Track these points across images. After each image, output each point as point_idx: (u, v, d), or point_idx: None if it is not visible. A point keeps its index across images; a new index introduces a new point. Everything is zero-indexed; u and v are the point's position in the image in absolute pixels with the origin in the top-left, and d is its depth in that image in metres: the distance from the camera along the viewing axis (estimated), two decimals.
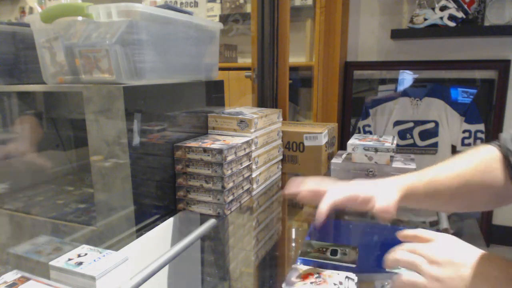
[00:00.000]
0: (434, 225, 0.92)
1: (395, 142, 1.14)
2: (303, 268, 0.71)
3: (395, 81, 1.96)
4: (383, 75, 2.01)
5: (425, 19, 1.70)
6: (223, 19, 2.54)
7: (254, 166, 1.04)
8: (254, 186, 1.05)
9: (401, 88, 1.92)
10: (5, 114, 1.09)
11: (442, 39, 1.83)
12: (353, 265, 0.75)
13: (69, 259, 0.60)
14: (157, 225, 0.85)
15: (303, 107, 2.49)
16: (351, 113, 2.04)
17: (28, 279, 0.56)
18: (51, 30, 0.85)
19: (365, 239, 0.95)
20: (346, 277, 0.67)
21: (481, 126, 1.82)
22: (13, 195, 1.06)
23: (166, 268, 0.79)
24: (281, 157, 1.26)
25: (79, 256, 0.61)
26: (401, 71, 1.95)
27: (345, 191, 0.64)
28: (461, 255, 0.40)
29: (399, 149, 1.92)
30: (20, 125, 1.11)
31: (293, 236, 1.12)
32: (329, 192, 0.64)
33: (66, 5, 0.83)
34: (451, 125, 1.87)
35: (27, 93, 1.10)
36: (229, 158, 0.88)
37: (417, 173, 0.64)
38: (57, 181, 1.17)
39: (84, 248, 0.64)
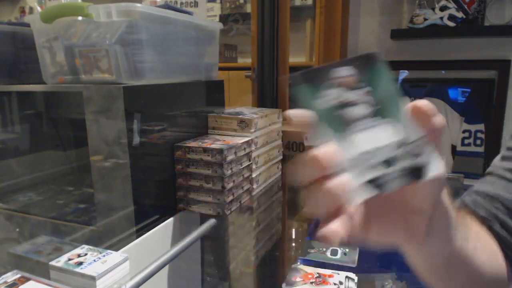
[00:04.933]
0: None
1: None
2: (303, 268, 0.71)
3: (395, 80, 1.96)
4: None
5: (425, 19, 1.70)
6: (223, 19, 2.54)
7: (254, 166, 1.04)
8: (254, 186, 1.05)
9: (401, 88, 1.92)
10: (5, 114, 1.09)
11: (442, 39, 1.83)
12: (353, 265, 0.75)
13: (69, 259, 0.60)
14: (157, 225, 0.85)
15: None
16: None
17: (28, 279, 0.56)
18: (51, 30, 0.85)
19: None
20: (346, 277, 0.67)
21: (481, 126, 1.82)
22: (13, 195, 1.06)
23: (166, 268, 0.79)
24: (281, 157, 1.26)
25: (79, 256, 0.61)
26: (401, 71, 1.95)
27: None
28: None
29: None
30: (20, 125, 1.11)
31: (293, 236, 1.12)
32: None
33: (66, 5, 0.83)
34: (451, 125, 1.87)
35: (27, 93, 1.10)
36: (229, 158, 0.88)
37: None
38: (57, 181, 1.17)
39: (84, 248, 0.64)
